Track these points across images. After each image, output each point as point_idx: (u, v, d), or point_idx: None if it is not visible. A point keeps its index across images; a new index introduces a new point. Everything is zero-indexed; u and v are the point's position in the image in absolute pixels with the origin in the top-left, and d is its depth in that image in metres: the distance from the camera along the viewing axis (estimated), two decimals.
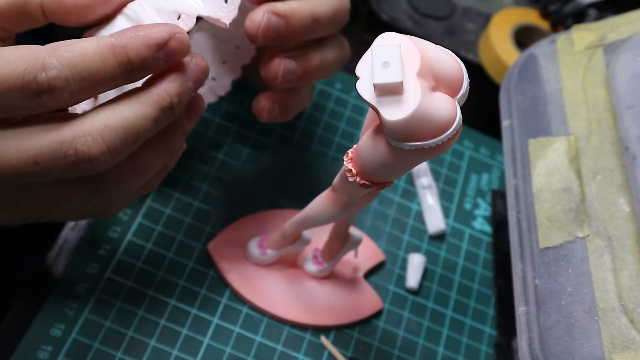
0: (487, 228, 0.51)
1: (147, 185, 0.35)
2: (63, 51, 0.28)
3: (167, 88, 0.31)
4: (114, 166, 0.31)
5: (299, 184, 0.49)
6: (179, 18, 0.33)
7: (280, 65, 0.35)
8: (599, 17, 0.56)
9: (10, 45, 0.34)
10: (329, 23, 0.36)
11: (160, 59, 0.30)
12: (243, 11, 0.35)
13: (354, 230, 0.41)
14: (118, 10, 0.34)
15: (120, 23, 0.34)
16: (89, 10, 0.32)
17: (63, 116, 0.30)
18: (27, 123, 0.29)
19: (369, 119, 0.29)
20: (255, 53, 0.41)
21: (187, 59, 0.32)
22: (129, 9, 0.34)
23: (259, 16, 0.33)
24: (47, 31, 0.35)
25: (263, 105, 0.38)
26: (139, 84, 0.31)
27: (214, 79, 0.41)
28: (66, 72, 0.28)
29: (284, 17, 0.34)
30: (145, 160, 0.32)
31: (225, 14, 0.34)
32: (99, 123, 0.29)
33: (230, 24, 0.33)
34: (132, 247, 0.43)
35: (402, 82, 0.24)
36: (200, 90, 0.35)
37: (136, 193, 0.35)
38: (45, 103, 0.28)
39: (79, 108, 0.33)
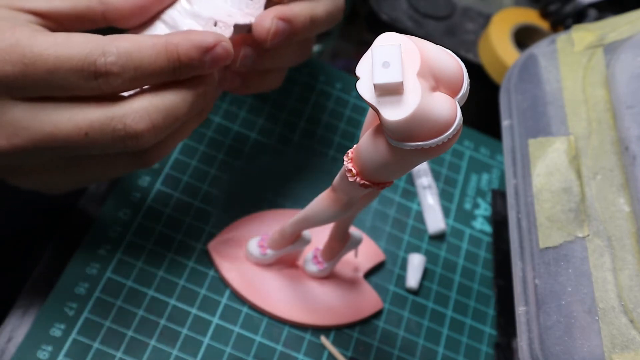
0: (487, 228, 0.51)
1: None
2: (122, 41, 0.31)
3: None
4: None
5: (299, 184, 0.49)
6: (215, 25, 0.35)
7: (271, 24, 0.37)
8: (599, 17, 0.56)
9: None
10: (325, 22, 0.39)
11: (205, 62, 0.33)
12: None
13: (354, 230, 0.41)
14: (165, 9, 0.37)
15: (159, 28, 0.36)
16: (144, 12, 0.36)
17: (112, 96, 0.32)
18: (81, 100, 0.32)
19: (369, 119, 0.29)
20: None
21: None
22: (167, 15, 0.36)
23: (268, 22, 0.36)
24: None
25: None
26: None
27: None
28: (122, 60, 0.31)
29: (289, 21, 0.36)
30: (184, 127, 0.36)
31: (252, 12, 0.36)
32: (146, 102, 0.32)
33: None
34: (132, 247, 0.43)
35: (402, 82, 0.24)
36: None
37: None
38: (99, 86, 0.31)
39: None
